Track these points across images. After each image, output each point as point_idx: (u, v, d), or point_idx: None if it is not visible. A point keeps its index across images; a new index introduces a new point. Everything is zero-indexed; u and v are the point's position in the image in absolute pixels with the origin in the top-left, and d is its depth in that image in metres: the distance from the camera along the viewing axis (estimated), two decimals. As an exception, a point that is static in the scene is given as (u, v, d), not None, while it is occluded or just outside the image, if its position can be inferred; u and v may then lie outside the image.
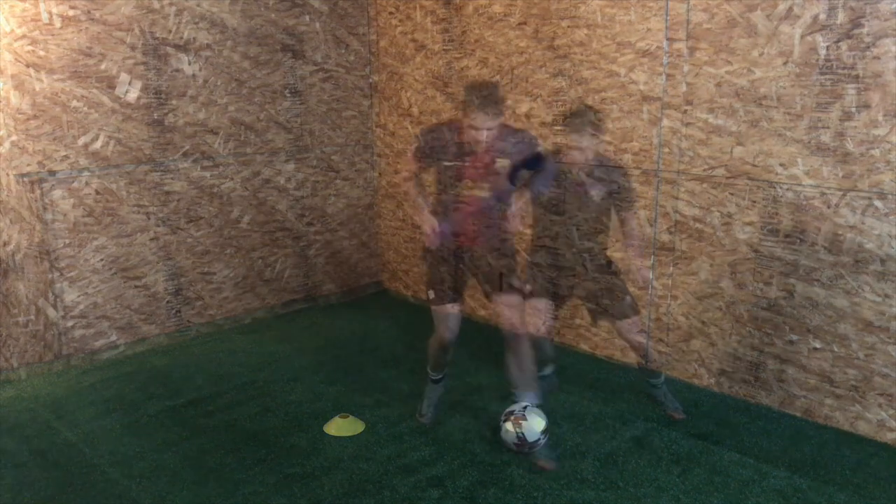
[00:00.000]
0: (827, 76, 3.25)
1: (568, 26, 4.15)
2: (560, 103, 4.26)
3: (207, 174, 4.65)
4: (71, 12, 3.98)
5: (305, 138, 5.11)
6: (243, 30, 4.66)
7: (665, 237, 3.93)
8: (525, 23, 4.36)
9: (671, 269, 3.95)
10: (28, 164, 3.97)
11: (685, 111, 3.75)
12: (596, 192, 3.42)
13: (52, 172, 4.05)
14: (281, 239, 5.11)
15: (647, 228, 3.99)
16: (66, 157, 4.09)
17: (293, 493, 2.95)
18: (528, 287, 3.52)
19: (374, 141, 5.51)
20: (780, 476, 3.05)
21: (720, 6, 3.54)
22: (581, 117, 3.36)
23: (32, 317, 4.11)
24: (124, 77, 4.22)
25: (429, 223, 3.19)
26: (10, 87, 3.85)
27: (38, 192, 4.02)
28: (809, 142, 3.35)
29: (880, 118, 3.12)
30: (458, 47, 4.78)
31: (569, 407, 3.69)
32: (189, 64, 4.46)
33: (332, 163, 5.29)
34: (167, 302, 4.60)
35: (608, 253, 3.58)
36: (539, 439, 3.17)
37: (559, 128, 3.42)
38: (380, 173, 5.56)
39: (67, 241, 4.15)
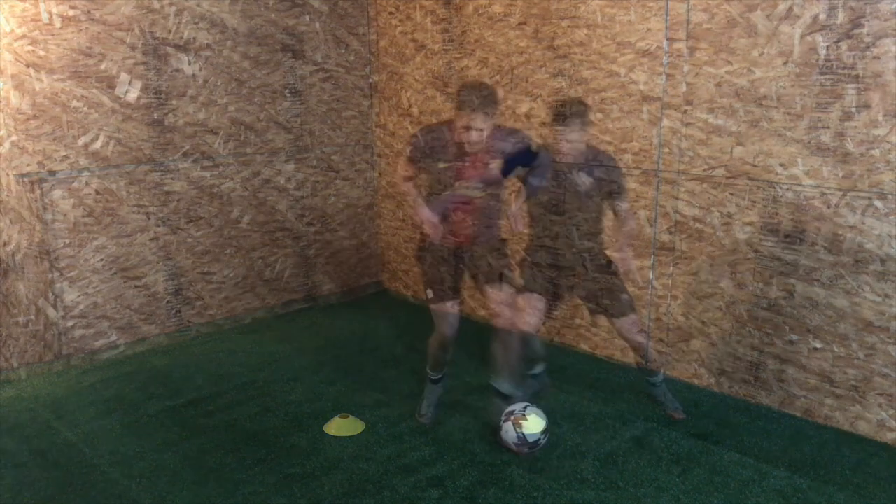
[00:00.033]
0: (827, 76, 3.25)
1: (568, 26, 4.15)
2: (560, 103, 4.25)
3: (207, 174, 4.65)
4: (71, 12, 3.98)
5: (305, 138, 5.11)
6: (243, 30, 4.66)
7: (665, 237, 3.93)
8: (525, 23, 4.37)
9: (671, 269, 3.95)
10: (28, 164, 3.97)
11: (685, 111, 3.75)
12: (583, 182, 3.36)
13: (52, 172, 4.05)
14: (281, 239, 5.11)
15: (647, 228, 3.99)
16: (66, 157, 4.09)
17: (293, 493, 2.95)
18: (520, 282, 3.53)
19: (374, 141, 5.51)
20: (780, 476, 3.05)
21: (720, 6, 3.54)
22: (570, 111, 3.31)
23: (32, 317, 4.11)
24: (124, 77, 4.22)
25: (429, 219, 3.20)
26: (10, 87, 3.85)
27: (38, 192, 4.02)
28: (809, 142, 3.35)
29: (880, 118, 3.12)
30: (458, 47, 4.78)
31: (569, 407, 3.69)
32: (189, 64, 4.46)
33: (332, 163, 5.29)
34: (167, 302, 4.60)
35: (607, 252, 3.57)
36: (540, 440, 3.17)
37: (548, 121, 3.37)
38: (380, 173, 5.56)
39: (67, 241, 4.15)
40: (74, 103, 4.06)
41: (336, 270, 5.48)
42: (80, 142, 4.12)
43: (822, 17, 3.22)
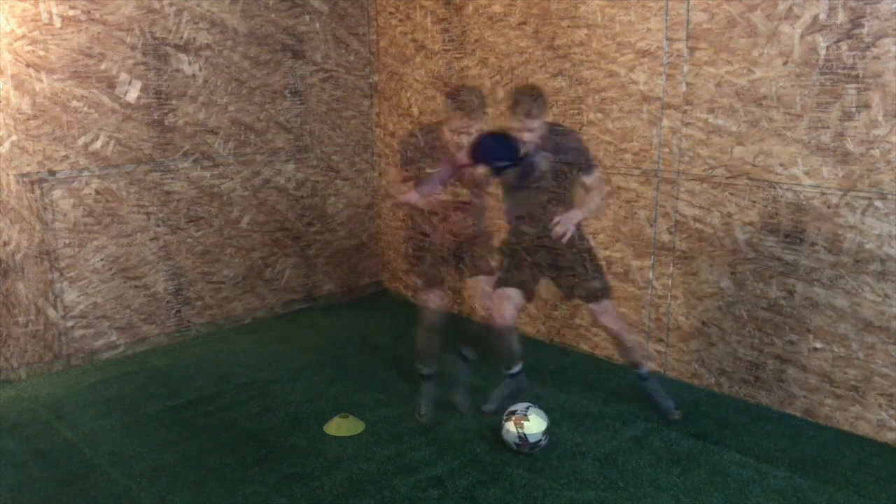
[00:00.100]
0: (827, 76, 3.25)
1: (568, 26, 4.16)
2: (560, 103, 4.26)
3: (207, 174, 4.66)
4: (71, 12, 3.98)
5: (305, 138, 5.11)
6: (243, 30, 4.66)
7: (665, 237, 3.93)
8: (525, 23, 4.37)
9: (671, 269, 3.95)
10: (28, 164, 3.97)
11: (685, 111, 3.75)
12: (544, 163, 3.28)
13: (52, 172, 4.05)
14: (281, 239, 5.11)
15: (647, 228, 3.99)
16: (66, 157, 4.09)
17: (293, 493, 2.95)
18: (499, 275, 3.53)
19: (374, 141, 5.51)
20: (780, 476, 3.05)
21: (720, 6, 3.54)
22: (528, 99, 3.17)
23: (32, 317, 4.11)
24: (124, 77, 4.22)
25: (403, 191, 3.30)
26: (10, 87, 3.85)
27: (38, 192, 4.02)
28: (809, 142, 3.35)
29: (880, 118, 3.12)
30: (459, 47, 4.78)
31: (569, 407, 3.69)
32: (189, 64, 4.46)
33: (332, 163, 5.29)
34: (167, 302, 4.61)
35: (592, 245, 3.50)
36: (540, 440, 3.18)
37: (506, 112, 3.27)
38: (380, 173, 5.56)
39: (67, 241, 4.16)
40: (74, 103, 4.06)
41: (336, 270, 5.48)
42: (80, 142, 4.12)
43: (822, 17, 3.22)
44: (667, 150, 3.85)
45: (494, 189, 3.69)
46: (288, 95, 4.95)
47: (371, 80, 5.41)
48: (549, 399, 3.71)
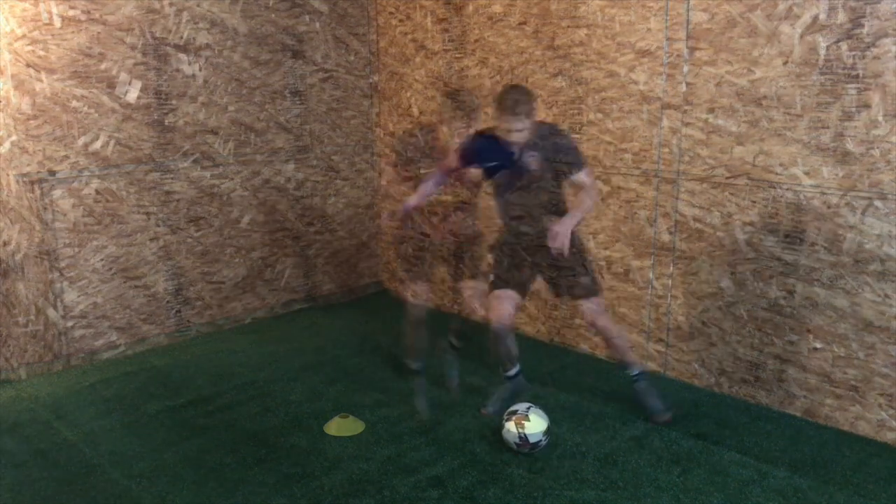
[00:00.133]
0: (827, 76, 3.25)
1: (568, 26, 4.16)
2: (560, 103, 4.26)
3: (207, 174, 4.66)
4: (71, 12, 3.98)
5: (305, 138, 5.11)
6: (243, 30, 4.66)
7: (665, 237, 3.93)
8: (525, 23, 4.37)
9: (671, 269, 3.95)
10: (28, 164, 3.97)
11: (685, 111, 3.75)
12: (533, 162, 3.25)
13: (52, 172, 4.05)
14: (281, 239, 5.11)
15: (647, 228, 3.99)
16: (67, 157, 4.09)
17: (293, 493, 2.95)
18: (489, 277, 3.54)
19: (374, 141, 5.51)
20: (780, 476, 3.05)
21: (720, 6, 3.54)
22: (516, 99, 3.13)
23: (32, 317, 4.11)
24: (124, 77, 4.22)
25: (406, 206, 3.38)
26: (10, 87, 3.85)
27: (38, 192, 4.02)
28: (809, 142, 3.35)
29: (880, 118, 3.12)
30: (459, 47, 4.79)
31: (569, 407, 3.69)
32: (189, 64, 4.46)
33: (332, 163, 5.29)
34: (167, 302, 4.61)
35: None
36: (541, 441, 3.18)
37: (493, 113, 3.24)
38: (380, 173, 5.56)
39: (67, 242, 4.16)
40: (74, 103, 4.06)
41: (336, 270, 5.48)
42: (81, 142, 4.12)
43: (822, 17, 3.22)
44: (667, 150, 3.85)
45: (488, 190, 3.71)
46: (288, 95, 4.95)
47: (371, 81, 5.41)
48: (549, 399, 3.71)
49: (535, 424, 3.17)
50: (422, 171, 3.41)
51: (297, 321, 5.07)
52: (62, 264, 4.15)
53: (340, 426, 3.46)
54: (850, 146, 3.23)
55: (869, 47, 3.11)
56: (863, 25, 3.11)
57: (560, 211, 3.40)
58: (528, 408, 3.24)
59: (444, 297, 5.16)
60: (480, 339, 3.73)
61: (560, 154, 3.27)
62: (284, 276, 5.18)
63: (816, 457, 3.20)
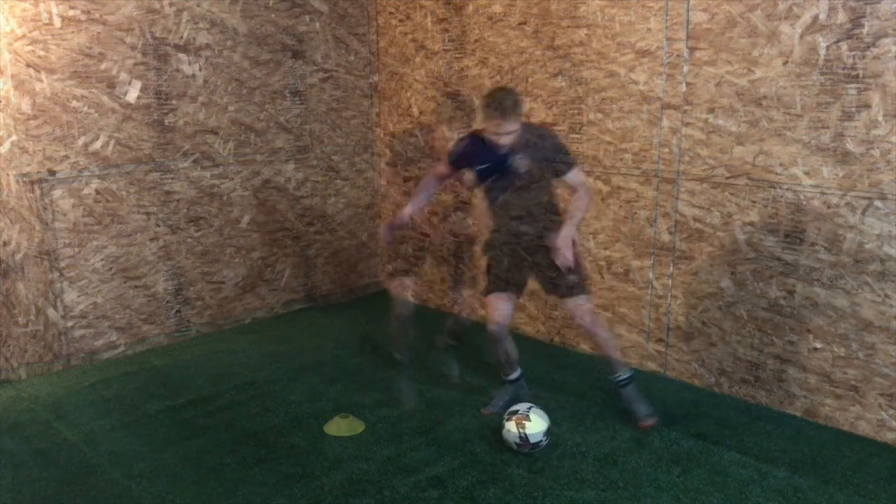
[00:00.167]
0: (827, 76, 3.25)
1: (568, 26, 4.16)
2: (560, 103, 4.26)
3: (207, 174, 4.66)
4: (71, 12, 3.98)
5: (305, 138, 5.11)
6: (243, 30, 4.66)
7: (665, 237, 3.93)
8: (525, 23, 4.37)
9: (671, 269, 3.95)
10: (28, 164, 3.97)
11: (685, 111, 3.75)
12: (523, 164, 3.24)
13: (52, 172, 4.05)
14: (281, 239, 5.11)
15: (647, 228, 3.99)
16: (67, 157, 4.09)
17: (293, 493, 2.95)
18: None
19: (374, 141, 5.51)
20: (780, 476, 3.04)
21: (720, 6, 3.54)
22: (507, 100, 3.11)
23: (32, 317, 4.11)
24: (124, 77, 4.22)
25: (400, 217, 3.40)
26: (10, 87, 3.85)
27: (38, 192, 4.02)
28: (809, 142, 3.35)
29: (880, 118, 3.12)
30: (459, 47, 4.79)
31: (569, 407, 3.69)
32: (189, 64, 4.46)
33: (332, 163, 5.29)
34: (167, 302, 4.60)
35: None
36: (541, 441, 3.18)
37: (481, 117, 3.21)
38: (380, 173, 5.56)
39: (67, 242, 4.15)
40: (74, 103, 4.06)
41: (336, 270, 5.48)
42: (81, 142, 4.12)
43: (822, 17, 3.22)
44: (667, 150, 3.85)
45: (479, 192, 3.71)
46: (288, 95, 4.95)
47: (371, 81, 5.41)
48: (549, 399, 3.71)
49: (536, 424, 3.17)
50: (420, 172, 3.42)
51: (297, 321, 5.07)
52: (62, 264, 4.15)
53: (340, 426, 3.46)
54: (850, 146, 3.23)
55: (869, 47, 3.11)
56: (863, 25, 3.11)
57: (557, 210, 3.40)
58: (529, 408, 3.24)
59: (443, 297, 5.16)
60: (477, 339, 3.74)
61: (550, 154, 3.26)
62: (284, 276, 5.18)
63: (816, 457, 3.20)
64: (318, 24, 5.03)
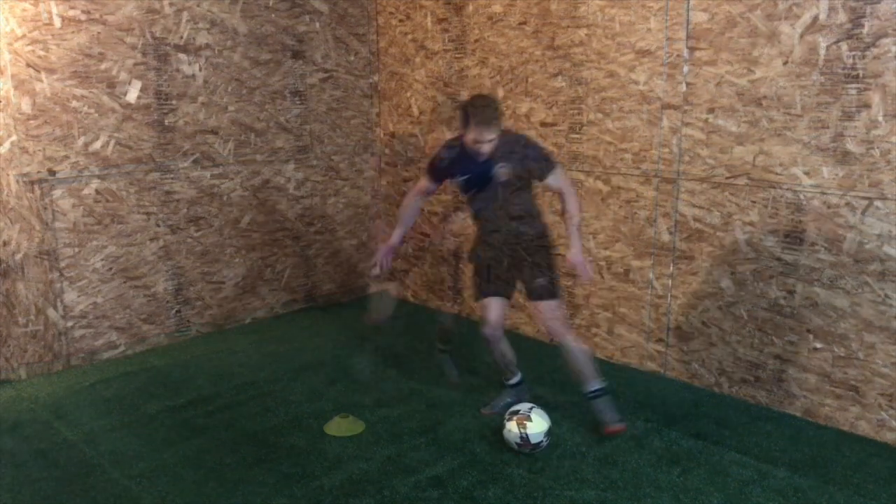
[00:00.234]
0: (827, 76, 3.25)
1: (568, 26, 4.16)
2: (560, 103, 4.26)
3: (207, 174, 4.66)
4: (71, 12, 3.98)
5: (306, 138, 5.11)
6: (243, 30, 4.66)
7: (665, 237, 3.93)
8: (525, 23, 4.37)
9: (671, 268, 3.95)
10: (28, 164, 3.97)
11: (685, 111, 3.75)
12: (504, 171, 3.21)
13: (52, 172, 4.05)
14: (281, 239, 5.11)
15: (648, 228, 3.99)
16: (67, 157, 4.09)
17: (293, 493, 2.95)
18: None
19: (374, 141, 5.51)
20: (780, 476, 3.04)
21: (720, 6, 3.54)
22: (488, 108, 3.11)
23: (32, 317, 4.11)
24: (124, 77, 4.22)
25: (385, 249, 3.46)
26: (10, 87, 3.85)
27: (38, 192, 4.02)
28: (809, 142, 3.35)
29: (880, 118, 3.12)
30: (459, 47, 4.79)
31: (569, 407, 3.68)
32: (189, 64, 4.46)
33: (332, 163, 5.29)
34: (167, 302, 4.60)
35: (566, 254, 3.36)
36: (542, 441, 3.18)
37: (458, 124, 3.22)
38: (380, 173, 5.56)
39: (67, 242, 4.15)
40: (75, 103, 4.06)
41: (336, 270, 5.48)
42: (81, 142, 4.12)
43: (822, 17, 3.22)
44: (667, 150, 3.85)
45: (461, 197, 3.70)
46: (288, 95, 4.95)
47: (371, 81, 5.41)
48: (549, 399, 3.70)
49: (537, 425, 3.17)
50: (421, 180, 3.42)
51: (297, 321, 5.07)
52: (62, 264, 4.15)
53: (340, 426, 3.46)
54: (850, 146, 3.23)
55: (869, 47, 3.11)
56: (863, 25, 3.11)
57: (539, 214, 3.40)
58: (531, 408, 3.24)
59: (443, 297, 5.16)
60: (475, 339, 3.74)
61: (530, 161, 3.23)
62: (284, 276, 5.18)
63: (816, 457, 3.20)
64: (318, 24, 5.03)
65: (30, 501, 2.92)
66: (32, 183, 4.00)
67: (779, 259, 3.53)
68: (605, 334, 4.30)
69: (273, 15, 4.79)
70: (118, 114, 4.22)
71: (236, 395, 3.87)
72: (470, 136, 3.10)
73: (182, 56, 4.42)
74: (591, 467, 3.12)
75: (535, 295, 3.36)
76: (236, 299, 4.94)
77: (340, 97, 5.25)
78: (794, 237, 3.47)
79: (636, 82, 3.91)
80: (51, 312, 4.16)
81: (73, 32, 4.00)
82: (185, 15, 4.39)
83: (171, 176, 4.50)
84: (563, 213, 3.30)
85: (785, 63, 3.37)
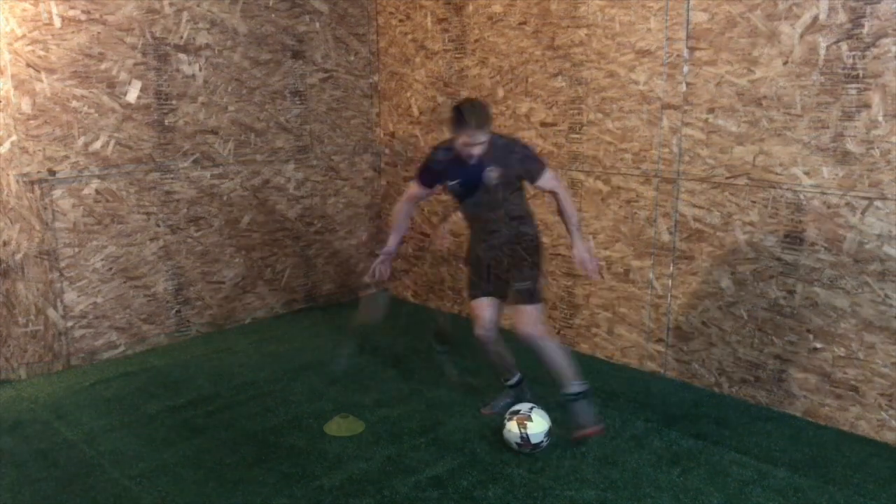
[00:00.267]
0: (827, 76, 3.25)
1: (568, 26, 4.16)
2: (560, 103, 4.26)
3: (207, 174, 4.66)
4: (71, 12, 3.98)
5: (306, 138, 5.11)
6: (243, 30, 4.66)
7: (665, 237, 3.93)
8: (525, 23, 4.37)
9: (671, 268, 3.95)
10: (28, 164, 3.97)
11: (685, 111, 3.75)
12: (494, 175, 3.18)
13: (52, 172, 4.05)
14: (281, 239, 5.11)
15: (648, 228, 3.99)
16: (67, 157, 4.09)
17: (293, 493, 2.95)
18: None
19: (374, 141, 5.51)
20: (780, 476, 3.04)
21: (720, 6, 3.54)
22: (478, 111, 3.09)
23: (32, 317, 4.11)
24: (124, 77, 4.22)
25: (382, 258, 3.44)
26: (10, 87, 3.85)
27: (38, 192, 4.02)
28: (809, 142, 3.35)
29: (880, 118, 3.12)
30: (459, 47, 4.79)
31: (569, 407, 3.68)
32: (189, 64, 4.46)
33: (332, 163, 5.29)
34: (167, 302, 4.60)
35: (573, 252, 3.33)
36: (542, 441, 3.18)
37: (450, 127, 3.16)
38: (379, 173, 5.56)
39: (68, 242, 4.15)
40: (75, 103, 4.06)
41: (336, 270, 5.48)
42: (81, 142, 4.12)
43: (822, 17, 3.22)
44: (667, 150, 3.85)
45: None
46: (288, 95, 4.95)
47: (371, 81, 5.41)
48: (549, 399, 3.70)
49: (538, 425, 3.17)
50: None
51: (297, 321, 5.07)
52: (62, 264, 4.15)
53: (340, 426, 3.46)
54: (850, 146, 3.23)
55: (869, 47, 3.11)
56: (863, 25, 3.11)
57: (531, 216, 3.39)
58: (531, 408, 3.24)
59: (443, 297, 5.16)
60: (473, 339, 3.75)
61: (520, 163, 3.21)
62: (284, 276, 5.18)
63: (816, 457, 3.20)
64: (318, 24, 5.03)
65: (30, 501, 2.92)
66: (32, 183, 4.00)
67: (779, 259, 3.53)
68: (605, 334, 4.30)
69: (273, 15, 4.79)
70: (118, 114, 4.23)
71: (236, 395, 3.87)
72: (461, 140, 3.09)
73: (182, 56, 4.42)
74: (591, 467, 3.12)
75: (510, 299, 3.31)
76: (236, 299, 4.95)
77: (340, 97, 5.25)
78: (794, 237, 3.47)
79: (636, 82, 3.91)
80: (51, 312, 4.16)
81: (73, 32, 4.00)
82: (185, 15, 4.39)
83: (171, 176, 4.50)
84: (560, 214, 3.30)
85: (785, 63, 3.37)
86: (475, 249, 3.43)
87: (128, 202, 4.34)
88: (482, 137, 3.07)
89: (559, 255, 4.41)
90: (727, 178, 3.65)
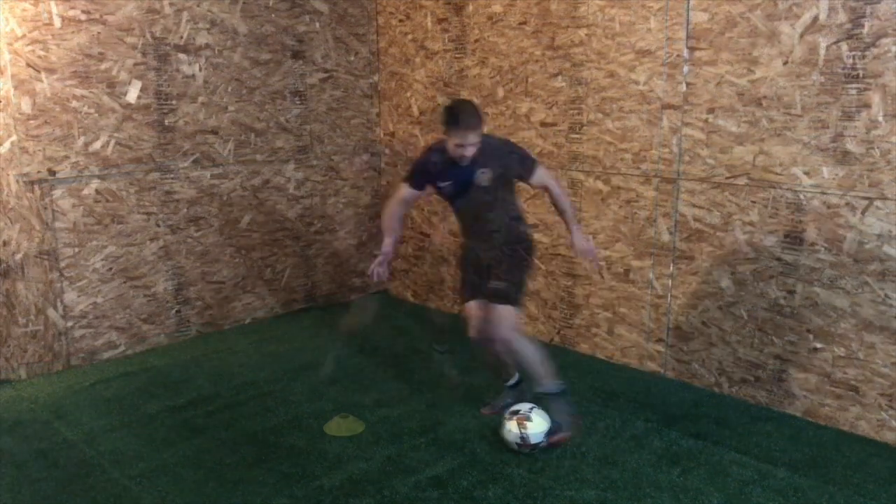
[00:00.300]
0: (827, 76, 3.25)
1: (568, 26, 4.16)
2: (560, 103, 4.26)
3: (208, 174, 4.66)
4: (71, 12, 3.98)
5: (306, 138, 5.11)
6: (244, 30, 4.66)
7: (665, 237, 3.94)
8: (525, 23, 4.37)
9: (671, 268, 3.95)
10: (28, 165, 3.97)
11: (685, 111, 3.75)
12: (486, 177, 3.16)
13: (52, 172, 4.05)
14: (281, 239, 5.11)
15: (648, 228, 3.99)
16: (67, 157, 4.09)
17: (293, 493, 2.95)
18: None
19: (374, 141, 5.51)
20: (780, 476, 3.04)
21: (720, 6, 3.54)
22: (470, 112, 3.07)
23: (33, 317, 4.11)
24: (125, 77, 4.22)
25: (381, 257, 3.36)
26: (10, 87, 3.85)
27: (38, 192, 4.02)
28: (809, 142, 3.35)
29: (880, 118, 3.12)
30: (459, 47, 4.79)
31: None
32: (189, 64, 4.46)
33: (332, 163, 5.30)
34: (167, 302, 4.60)
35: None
36: (542, 441, 3.18)
37: (442, 127, 3.14)
38: (379, 173, 5.56)
39: (68, 242, 4.15)
40: (75, 103, 4.06)
41: (336, 270, 5.48)
42: (81, 142, 4.12)
43: (822, 17, 3.22)
44: (667, 150, 3.85)
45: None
46: (288, 96, 4.96)
47: (371, 81, 5.41)
48: (549, 399, 3.70)
49: (537, 425, 3.17)
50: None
51: (297, 321, 5.07)
52: (62, 264, 4.15)
53: (340, 426, 3.46)
54: (850, 146, 3.23)
55: (869, 47, 3.11)
56: (863, 25, 3.11)
57: (522, 217, 3.38)
58: (531, 408, 3.24)
59: (443, 297, 5.16)
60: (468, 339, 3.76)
61: (512, 164, 3.20)
62: (284, 276, 5.18)
63: (816, 457, 3.20)
64: (318, 25, 5.03)
65: (30, 501, 2.92)
66: (32, 183, 4.00)
67: (779, 259, 3.53)
68: (605, 334, 4.30)
69: (273, 15, 4.79)
70: (118, 114, 4.23)
71: (236, 395, 3.87)
72: (452, 141, 3.07)
73: (182, 56, 4.42)
74: (591, 467, 3.12)
75: (489, 297, 3.26)
76: (236, 299, 4.95)
77: (340, 97, 5.25)
78: (794, 237, 3.47)
79: (636, 82, 3.91)
80: (51, 312, 4.16)
81: (73, 32, 4.00)
82: (185, 15, 4.39)
83: (171, 176, 4.50)
84: (555, 206, 3.30)
85: (785, 63, 3.37)
86: (467, 251, 3.43)
87: (128, 202, 4.34)
88: (474, 139, 3.06)
89: (559, 255, 4.41)
90: (727, 178, 3.65)
